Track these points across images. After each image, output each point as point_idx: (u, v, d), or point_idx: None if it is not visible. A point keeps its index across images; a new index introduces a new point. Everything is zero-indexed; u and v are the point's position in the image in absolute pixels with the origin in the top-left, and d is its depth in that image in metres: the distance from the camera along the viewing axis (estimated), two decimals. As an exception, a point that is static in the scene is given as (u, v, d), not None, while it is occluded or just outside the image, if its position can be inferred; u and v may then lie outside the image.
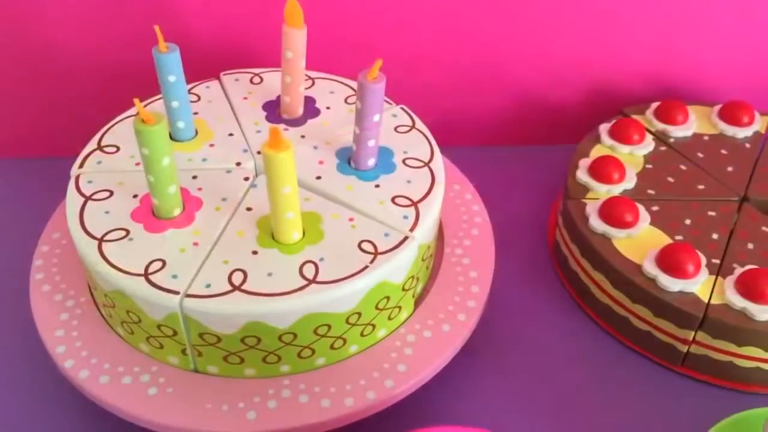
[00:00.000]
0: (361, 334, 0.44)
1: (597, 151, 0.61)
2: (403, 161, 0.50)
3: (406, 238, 0.44)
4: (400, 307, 0.46)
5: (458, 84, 0.68)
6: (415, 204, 0.46)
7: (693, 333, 0.49)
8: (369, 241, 0.44)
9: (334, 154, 0.50)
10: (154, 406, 0.42)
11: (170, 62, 0.47)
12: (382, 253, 0.43)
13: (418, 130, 0.53)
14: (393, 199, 0.47)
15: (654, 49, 0.67)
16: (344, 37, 0.64)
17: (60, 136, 0.65)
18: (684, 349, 0.50)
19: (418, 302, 0.49)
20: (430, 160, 0.50)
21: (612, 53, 0.67)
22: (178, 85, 0.49)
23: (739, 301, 0.48)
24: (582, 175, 0.58)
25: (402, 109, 0.55)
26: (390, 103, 0.55)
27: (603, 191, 0.57)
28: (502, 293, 0.57)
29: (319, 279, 0.41)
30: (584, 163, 0.59)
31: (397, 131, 0.53)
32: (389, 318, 0.46)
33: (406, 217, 0.46)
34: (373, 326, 0.45)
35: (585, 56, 0.67)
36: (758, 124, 0.63)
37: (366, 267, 0.42)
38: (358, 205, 0.46)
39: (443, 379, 0.50)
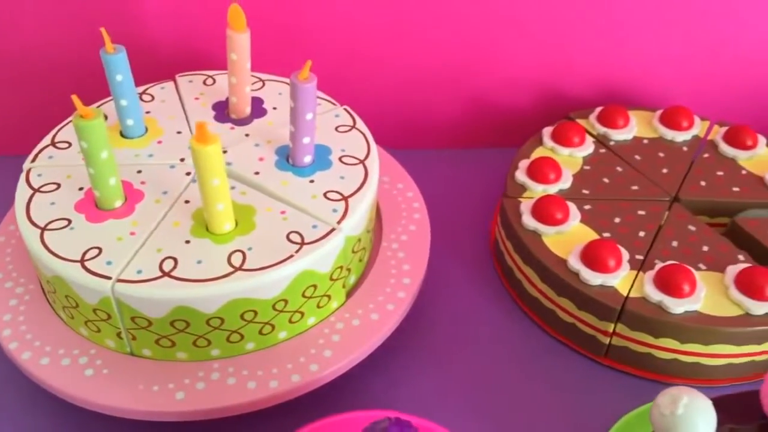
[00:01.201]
0: (290, 321, 0.47)
1: (538, 153, 0.63)
2: (340, 159, 0.52)
3: (333, 229, 0.47)
4: (329, 296, 0.48)
5: (413, 88, 0.71)
6: (345, 198, 0.49)
7: (613, 325, 0.51)
8: (297, 232, 0.46)
9: (274, 151, 0.53)
10: (89, 387, 0.44)
11: (117, 63, 0.50)
12: (308, 244, 0.46)
13: (358, 129, 0.55)
14: (325, 194, 0.49)
15: (603, 55, 0.70)
16: (298, 41, 0.67)
17: (22, 134, 0.68)
18: (606, 340, 0.52)
19: (351, 293, 0.51)
20: (366, 157, 0.53)
21: (563, 60, 0.70)
22: (125, 84, 0.51)
23: (655, 295, 0.50)
24: (520, 175, 0.60)
25: (345, 109, 0.57)
26: (334, 104, 0.58)
27: (539, 190, 0.59)
28: (442, 287, 0.59)
29: (245, 267, 0.44)
30: (524, 164, 0.61)
31: (337, 131, 0.55)
32: (318, 306, 0.48)
33: (335, 211, 0.48)
34: (302, 314, 0.47)
35: (537, 62, 0.70)
36: (697, 129, 0.65)
37: (291, 256, 0.45)
38: (291, 198, 0.49)
39: (378, 367, 0.53)
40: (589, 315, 0.52)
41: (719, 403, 0.37)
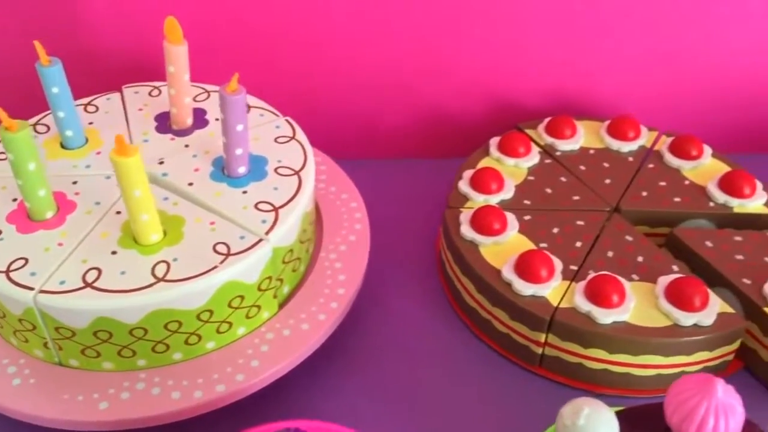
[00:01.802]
0: (218, 331, 0.47)
1: (484, 163, 0.64)
2: (276, 169, 0.53)
3: (260, 240, 0.47)
4: (259, 307, 0.49)
5: (366, 98, 0.71)
6: (276, 209, 0.49)
7: (544, 335, 0.51)
8: (224, 243, 0.47)
9: (211, 162, 0.53)
10: (15, 396, 0.45)
11: (52, 75, 0.51)
12: (233, 254, 0.46)
13: (297, 140, 0.56)
14: (256, 205, 0.50)
15: (556, 66, 0.70)
16: (249, 52, 0.67)
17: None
18: (539, 351, 0.52)
19: (285, 303, 0.52)
20: (301, 168, 0.53)
21: (515, 70, 0.70)
22: (62, 96, 0.52)
23: (585, 305, 0.50)
24: (463, 185, 0.61)
25: (287, 120, 0.58)
26: (276, 115, 0.58)
27: (480, 201, 0.60)
28: (385, 297, 0.60)
29: (168, 277, 0.44)
30: (467, 174, 0.62)
31: (276, 141, 0.56)
32: (248, 317, 0.48)
33: (264, 221, 0.48)
34: (230, 324, 0.48)
35: (489, 72, 0.70)
36: (644, 139, 0.66)
37: (215, 267, 0.45)
38: (221, 209, 0.49)
39: (313, 376, 0.53)
40: (522, 325, 0.52)
41: (624, 415, 0.37)
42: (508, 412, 0.52)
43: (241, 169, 0.51)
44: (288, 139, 0.56)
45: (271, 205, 0.50)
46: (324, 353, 0.54)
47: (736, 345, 0.51)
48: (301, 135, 0.56)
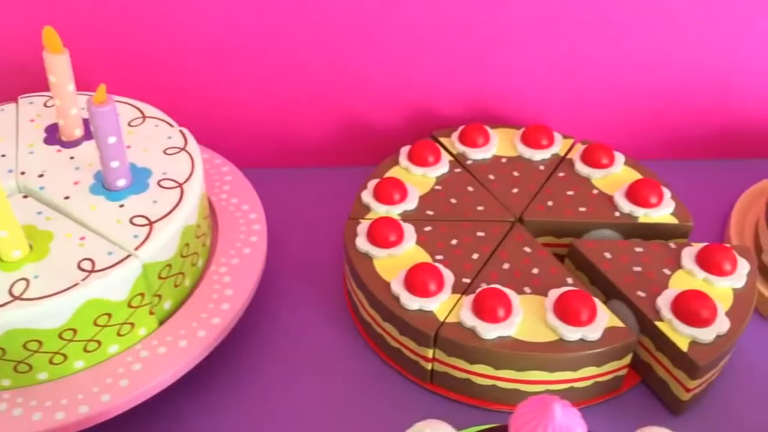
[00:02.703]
0: (85, 350, 0.46)
1: (392, 173, 0.62)
2: (159, 182, 0.51)
3: (128, 256, 0.46)
4: (132, 324, 0.47)
5: (281, 107, 0.70)
6: (151, 223, 0.48)
7: (432, 351, 0.50)
8: (89, 260, 0.45)
9: (93, 175, 0.52)
10: None
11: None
12: (97, 271, 0.45)
13: (187, 151, 0.54)
14: (132, 219, 0.48)
15: (473, 73, 0.69)
16: (155, 62, 0.66)
17: None
18: (428, 366, 0.51)
19: (167, 319, 0.50)
20: (186, 180, 0.52)
21: (434, 78, 0.69)
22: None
23: (470, 320, 0.49)
24: (366, 196, 0.59)
25: (180, 131, 0.57)
26: (171, 125, 0.57)
27: (382, 211, 0.58)
28: (284, 312, 0.58)
29: (25, 296, 0.43)
30: (372, 184, 0.60)
31: (165, 153, 0.54)
32: (119, 334, 0.47)
33: (136, 236, 0.47)
34: (99, 342, 0.46)
35: (407, 80, 0.69)
36: (558, 147, 0.65)
37: (76, 284, 0.44)
38: (93, 224, 0.48)
39: (195, 395, 0.52)
40: (410, 340, 0.51)
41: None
42: (397, 430, 0.51)
43: (121, 182, 0.50)
44: (178, 150, 0.55)
45: (147, 219, 0.48)
46: (210, 370, 0.53)
47: (626, 360, 0.50)
48: (192, 146, 0.55)
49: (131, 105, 0.59)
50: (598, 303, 0.50)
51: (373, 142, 0.72)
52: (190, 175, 0.52)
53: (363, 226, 0.56)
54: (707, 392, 0.51)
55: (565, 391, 0.49)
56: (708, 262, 0.52)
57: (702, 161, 0.74)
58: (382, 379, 0.53)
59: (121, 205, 0.49)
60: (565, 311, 0.48)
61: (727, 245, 0.53)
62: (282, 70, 0.68)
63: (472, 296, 0.50)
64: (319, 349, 0.56)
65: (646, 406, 0.51)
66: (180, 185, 0.51)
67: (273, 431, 0.50)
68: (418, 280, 0.51)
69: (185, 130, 0.57)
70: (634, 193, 0.58)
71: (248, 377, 0.54)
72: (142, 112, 0.58)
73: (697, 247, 0.54)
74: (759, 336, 0.57)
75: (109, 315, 0.45)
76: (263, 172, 0.71)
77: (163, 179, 0.52)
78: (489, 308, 0.49)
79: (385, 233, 0.55)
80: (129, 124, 0.57)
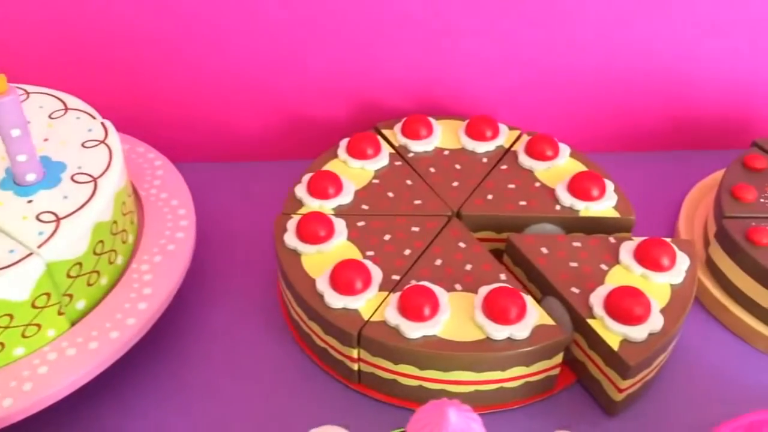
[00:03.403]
0: (-14, 353, 0.44)
1: (329, 166, 0.60)
2: (72, 177, 0.49)
3: (30, 254, 0.44)
4: (39, 325, 0.45)
5: (220, 100, 0.68)
6: (58, 220, 0.46)
7: (356, 351, 0.48)
8: (-12, 258, 0.43)
9: (3, 169, 0.50)
10: None
11: None
12: (-5, 270, 0.43)
13: (107, 144, 0.52)
14: (39, 215, 0.46)
15: (421, 64, 0.67)
16: (89, 55, 0.64)
17: None
18: (355, 366, 0.49)
19: (80, 319, 0.48)
20: (101, 175, 0.50)
21: (380, 69, 0.67)
22: None
23: (394, 319, 0.47)
24: (299, 190, 0.57)
25: (102, 123, 0.54)
26: (93, 117, 0.55)
27: (315, 206, 0.56)
28: (212, 309, 0.56)
29: None
30: (306, 178, 0.58)
31: (84, 146, 0.52)
32: (24, 336, 0.45)
33: (41, 233, 0.45)
34: (2, 344, 0.44)
35: (349, 70, 0.67)
36: (503, 139, 0.63)
37: (-29, 284, 0.42)
38: (-3, 220, 0.46)
39: (119, 396, 0.50)
40: (334, 340, 0.49)
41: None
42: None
43: (30, 177, 0.48)
44: (97, 143, 0.52)
45: (55, 215, 0.46)
46: (131, 371, 0.51)
47: (558, 359, 0.48)
48: (113, 139, 0.53)
49: (54, 96, 0.57)
50: (529, 300, 0.48)
51: (318, 135, 0.70)
52: (106, 169, 0.50)
53: (293, 222, 0.54)
54: (644, 392, 0.49)
55: (495, 392, 0.47)
56: (646, 257, 0.50)
57: (656, 153, 0.72)
58: (310, 380, 0.51)
59: (30, 201, 0.47)
60: (493, 309, 0.46)
61: (666, 240, 0.52)
62: (221, 61, 0.65)
63: (398, 294, 0.48)
64: (247, 350, 0.54)
65: (581, 406, 0.49)
66: (94, 180, 0.49)
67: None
68: (343, 277, 0.49)
69: (108, 123, 0.54)
70: (575, 186, 0.56)
71: (171, 378, 0.51)
72: (64, 104, 0.56)
73: (636, 241, 0.52)
74: (703, 334, 0.55)
75: (11, 316, 0.43)
76: (202, 166, 0.69)
77: (78, 173, 0.49)
78: (414, 306, 0.47)
79: (313, 229, 0.53)
80: (50, 116, 0.55)
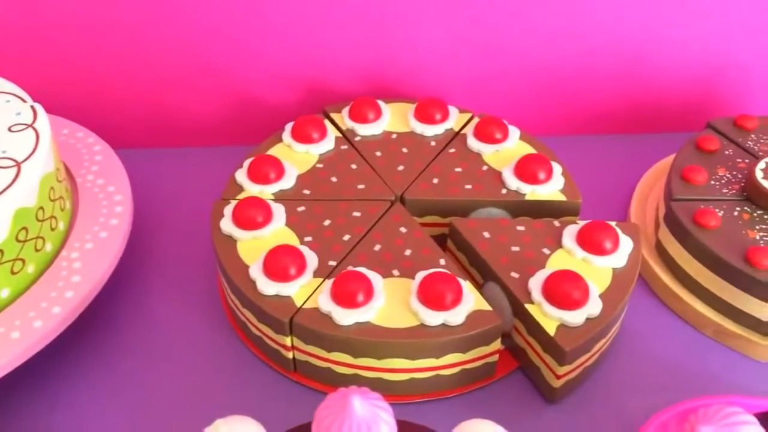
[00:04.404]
0: None
1: (273, 151, 0.59)
2: (-5, 161, 0.48)
3: (-57, 241, 0.42)
4: (-44, 315, 0.44)
5: (164, 84, 0.66)
6: (-24, 206, 0.45)
7: (290, 338, 0.47)
8: None
9: (-71, 156, 0.48)
10: None
11: None
12: None
13: (34, 128, 0.50)
14: (-44, 201, 0.45)
15: (372, 47, 0.65)
16: (30, 38, 0.62)
17: None
18: (290, 355, 0.48)
19: (3, 309, 0.47)
20: (26, 159, 0.48)
21: (326, 50, 0.65)
22: None
23: (327, 305, 0.46)
24: (240, 175, 0.56)
25: (32, 107, 0.52)
26: (24, 101, 0.53)
27: (255, 191, 0.55)
28: (147, 298, 0.55)
29: None
30: (248, 162, 0.57)
31: (10, 130, 0.50)
32: (-61, 326, 0.43)
33: (-43, 220, 0.44)
34: None
35: (296, 53, 0.65)
36: (452, 122, 0.61)
37: None
38: None
39: (45, 387, 0.49)
40: (267, 327, 0.47)
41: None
42: (268, 423, 0.47)
43: (-50, 161, 0.46)
44: (25, 126, 0.50)
45: (-28, 201, 0.45)
46: (59, 361, 0.50)
47: (495, 346, 0.47)
48: (42, 122, 0.51)
49: (16, 96, 0.55)
50: (466, 286, 0.47)
51: (264, 120, 0.68)
52: (32, 153, 0.48)
53: (230, 207, 0.53)
54: (585, 378, 0.48)
55: (431, 379, 0.46)
56: (588, 241, 0.49)
57: (614, 136, 0.71)
58: (247, 369, 0.50)
59: (-53, 186, 0.46)
60: (428, 295, 0.45)
61: (610, 223, 0.50)
62: (166, 44, 0.63)
63: (332, 280, 0.47)
64: (185, 339, 0.52)
65: (521, 394, 0.48)
66: (18, 164, 0.47)
67: (124, 425, 0.47)
68: (277, 263, 0.47)
69: (37, 106, 0.53)
70: (522, 169, 0.55)
71: (101, 368, 0.50)
72: (21, 98, 0.54)
73: (579, 225, 0.51)
74: (651, 320, 0.54)
75: (-76, 305, 0.42)
76: (145, 152, 0.67)
77: (1, 158, 0.48)
78: (347, 292, 0.45)
79: (250, 214, 0.51)
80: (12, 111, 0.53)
